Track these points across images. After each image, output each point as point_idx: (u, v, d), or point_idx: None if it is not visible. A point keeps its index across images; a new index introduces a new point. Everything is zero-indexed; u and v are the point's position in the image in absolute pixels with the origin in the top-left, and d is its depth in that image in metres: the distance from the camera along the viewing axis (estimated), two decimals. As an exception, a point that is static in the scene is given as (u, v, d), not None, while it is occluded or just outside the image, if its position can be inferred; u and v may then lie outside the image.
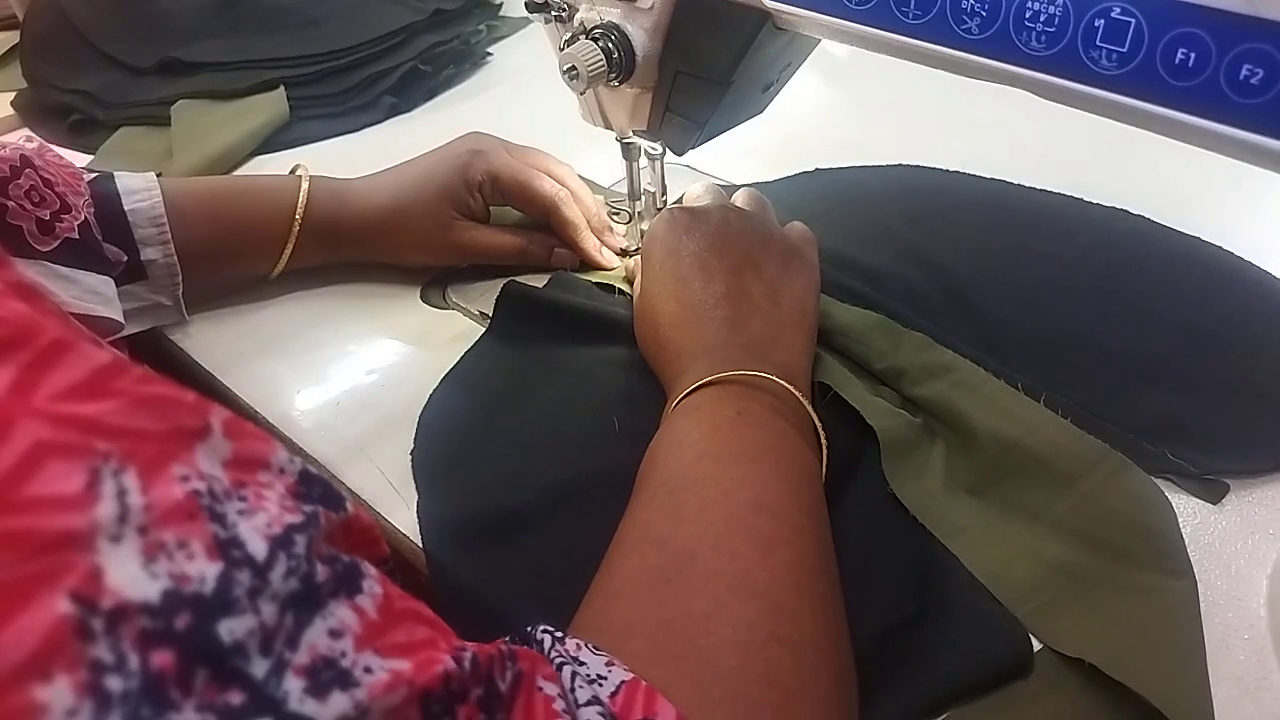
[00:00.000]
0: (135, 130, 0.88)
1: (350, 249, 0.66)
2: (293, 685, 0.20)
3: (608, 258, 0.66)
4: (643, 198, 0.66)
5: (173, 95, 0.90)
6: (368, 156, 0.69)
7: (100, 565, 0.18)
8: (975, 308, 0.60)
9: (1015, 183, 0.72)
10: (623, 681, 0.30)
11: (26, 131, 0.91)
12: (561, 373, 0.57)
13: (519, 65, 1.01)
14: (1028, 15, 0.36)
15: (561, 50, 0.55)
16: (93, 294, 0.54)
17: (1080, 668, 0.41)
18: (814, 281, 0.56)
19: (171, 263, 0.60)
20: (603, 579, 0.39)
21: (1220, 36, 0.32)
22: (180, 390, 0.22)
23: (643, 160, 0.65)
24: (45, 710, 0.17)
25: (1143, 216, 0.67)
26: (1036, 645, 0.43)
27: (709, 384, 0.47)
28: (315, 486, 0.25)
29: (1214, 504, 0.48)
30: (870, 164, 0.77)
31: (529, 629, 0.32)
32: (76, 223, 0.54)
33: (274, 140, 0.86)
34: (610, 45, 0.53)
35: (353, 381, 0.59)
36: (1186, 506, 0.48)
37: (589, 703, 0.28)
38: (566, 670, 0.29)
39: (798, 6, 0.45)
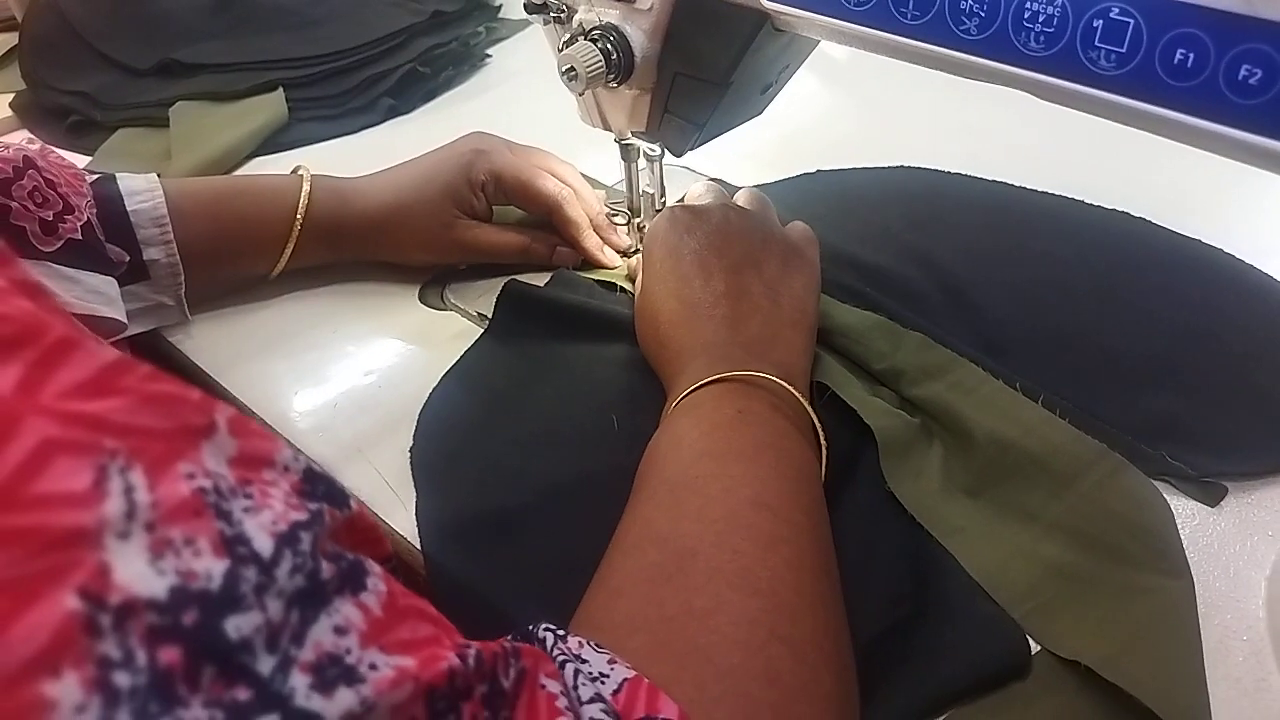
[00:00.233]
0: (134, 132, 0.88)
1: (352, 248, 0.66)
2: (299, 682, 0.20)
3: (610, 256, 0.66)
4: (641, 199, 0.66)
5: (171, 97, 0.90)
6: (366, 158, 0.69)
7: (108, 562, 0.18)
8: (975, 308, 0.60)
9: (1014, 184, 0.72)
10: (625, 679, 0.30)
11: (27, 133, 0.91)
12: (561, 371, 0.57)
13: (518, 67, 1.01)
14: (1026, 16, 0.36)
15: (560, 51, 0.55)
16: (95, 294, 0.54)
17: (1078, 669, 0.41)
18: (814, 281, 0.56)
19: (174, 262, 0.61)
20: (603, 577, 0.39)
21: (1219, 37, 0.32)
22: (186, 388, 0.22)
23: (641, 162, 0.65)
24: (54, 706, 0.17)
25: (1143, 218, 0.67)
26: (1034, 646, 0.43)
27: (709, 383, 0.47)
28: (320, 484, 0.25)
29: (1212, 506, 0.48)
30: (869, 166, 0.77)
31: (530, 627, 0.32)
32: (79, 223, 0.55)
33: (273, 142, 0.86)
34: (609, 46, 0.53)
35: (351, 382, 0.59)
36: (1185, 508, 0.48)
37: (592, 700, 0.28)
38: (569, 668, 0.29)
39: (796, 7, 0.45)
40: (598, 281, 0.65)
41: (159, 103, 0.89)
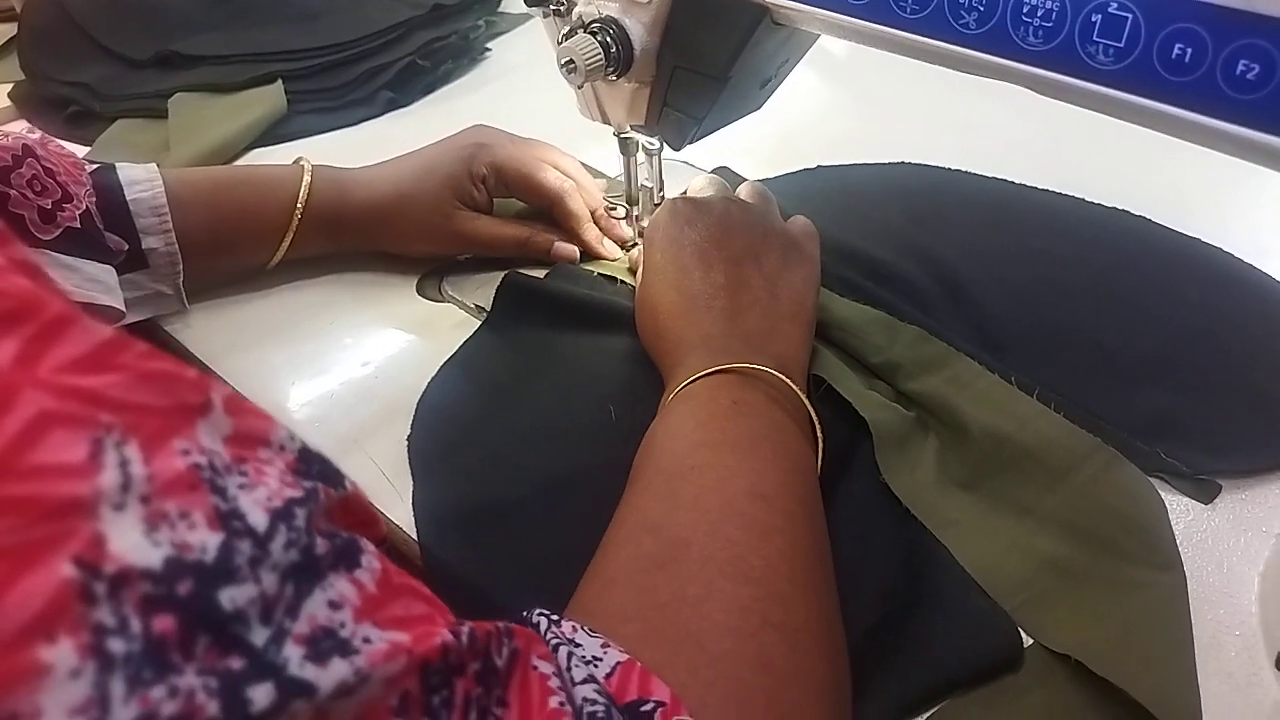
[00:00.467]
0: (132, 123, 0.88)
1: (352, 238, 0.66)
2: (292, 652, 0.21)
3: (610, 248, 0.67)
4: (640, 192, 0.67)
5: (170, 88, 0.89)
6: (365, 151, 0.69)
7: (103, 532, 0.19)
8: (974, 304, 0.60)
9: (1014, 181, 0.73)
10: (618, 663, 0.30)
11: (25, 124, 0.91)
12: (560, 363, 0.58)
13: (517, 61, 1.01)
14: (1025, 10, 0.36)
15: (559, 44, 0.55)
16: (94, 282, 0.55)
17: (1069, 662, 0.41)
18: (814, 275, 0.56)
19: (173, 251, 0.61)
20: (598, 565, 0.39)
21: (1217, 32, 0.32)
22: (182, 367, 0.23)
23: (640, 155, 0.65)
24: (49, 670, 0.17)
25: (1142, 217, 0.67)
26: (1027, 640, 0.43)
27: (706, 375, 0.47)
28: (314, 464, 0.25)
29: (1206, 504, 0.48)
30: (869, 162, 0.77)
31: (525, 613, 0.32)
32: (78, 212, 0.55)
33: (271, 133, 0.86)
34: (608, 39, 0.53)
35: (348, 373, 0.59)
36: (1179, 503, 0.48)
37: (585, 681, 0.28)
38: (562, 651, 0.29)
39: (796, 1, 0.45)
40: (599, 274, 0.65)
41: (158, 94, 0.89)
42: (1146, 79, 0.34)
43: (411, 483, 0.51)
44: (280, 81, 0.90)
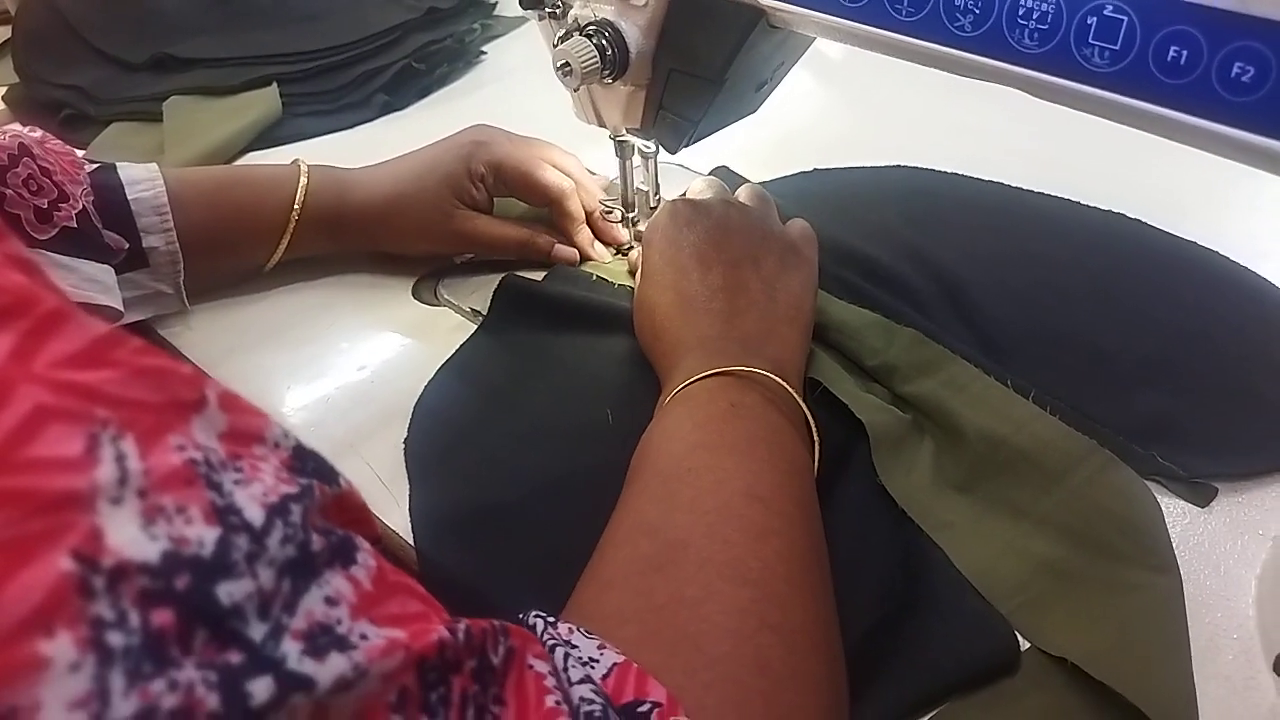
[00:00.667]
0: (127, 126, 0.88)
1: (352, 238, 0.66)
2: (290, 648, 0.21)
3: (599, 251, 0.67)
4: (636, 196, 0.66)
5: (165, 91, 0.89)
6: (360, 154, 0.69)
7: (100, 526, 0.19)
8: (971, 306, 0.60)
9: (1010, 184, 0.73)
10: (615, 664, 0.30)
11: (19, 127, 0.91)
12: (557, 366, 0.58)
13: (513, 64, 1.01)
14: (1020, 13, 0.36)
15: (555, 47, 0.55)
16: (91, 282, 0.55)
17: (1066, 665, 0.41)
18: (811, 279, 0.56)
19: (173, 250, 0.61)
20: (595, 567, 0.39)
21: (1212, 34, 0.32)
22: (177, 363, 0.23)
23: (636, 158, 0.65)
24: (48, 664, 0.17)
25: (1138, 220, 0.67)
26: (1024, 643, 0.43)
27: (703, 377, 0.47)
28: (309, 461, 0.25)
29: (1202, 507, 0.48)
30: (865, 165, 0.77)
31: (520, 615, 0.32)
32: (74, 211, 0.55)
33: (266, 137, 0.86)
34: (604, 42, 0.53)
35: (344, 377, 0.59)
36: (1176, 506, 0.48)
37: (581, 681, 0.28)
38: (559, 652, 0.29)
39: (792, 4, 0.45)
40: (597, 276, 0.65)
41: (152, 97, 0.89)
42: (1142, 81, 0.34)
43: (408, 487, 0.51)
44: (275, 84, 0.90)
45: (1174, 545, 0.46)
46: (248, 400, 0.24)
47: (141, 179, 0.60)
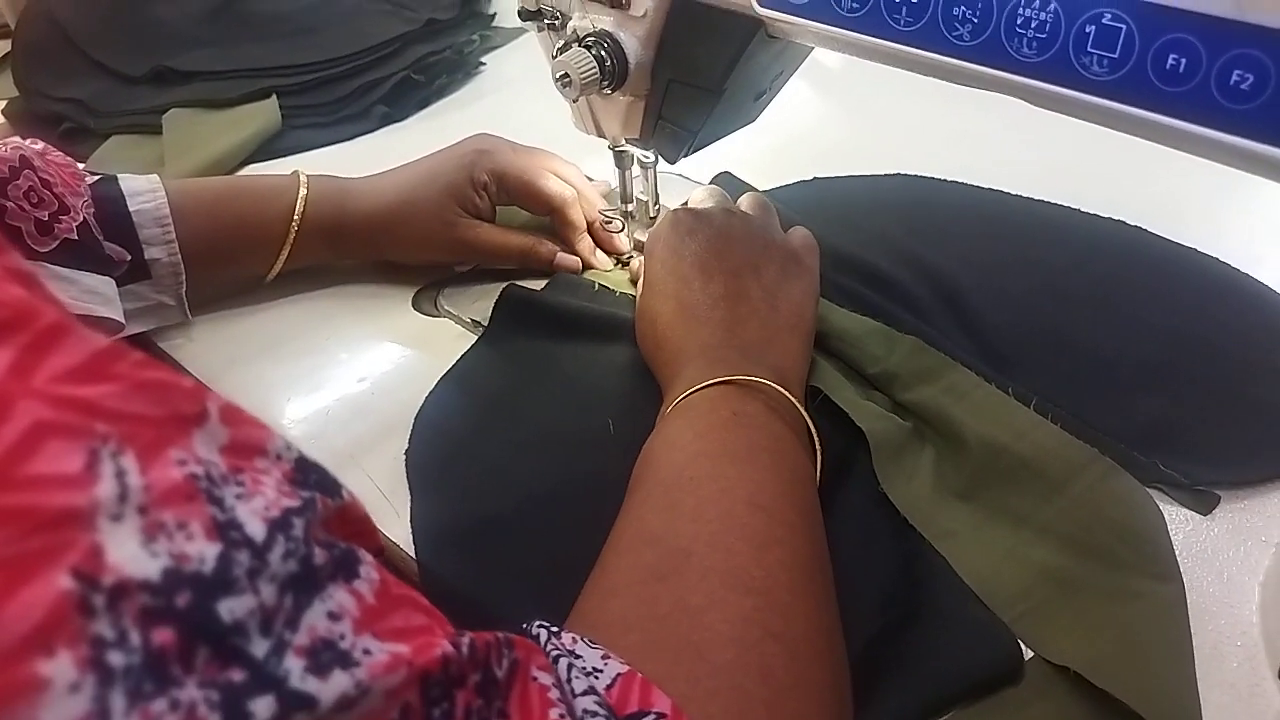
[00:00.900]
0: (127, 139, 0.88)
1: (353, 247, 0.67)
2: (293, 664, 0.20)
3: (601, 260, 0.67)
4: (635, 205, 0.67)
5: (165, 104, 0.89)
6: (360, 165, 0.69)
7: (101, 543, 0.18)
8: (972, 313, 0.60)
9: (1009, 192, 0.73)
10: (619, 674, 0.30)
11: (19, 140, 0.91)
12: (558, 376, 0.58)
13: (512, 75, 1.01)
14: (1019, 22, 0.37)
15: (554, 58, 0.55)
16: (92, 294, 0.55)
17: (1070, 674, 0.41)
18: (813, 287, 0.57)
19: (175, 262, 0.61)
20: (598, 577, 0.39)
21: (1210, 42, 0.32)
22: (178, 376, 0.22)
23: (635, 168, 0.65)
24: (48, 684, 0.17)
25: (1138, 227, 0.67)
26: (1027, 652, 0.42)
27: (705, 387, 0.47)
28: (312, 473, 0.25)
29: (1204, 515, 0.48)
30: (864, 174, 0.77)
31: (524, 625, 0.32)
32: (75, 224, 0.55)
33: (266, 149, 0.86)
34: (603, 53, 0.54)
35: (344, 389, 0.59)
36: (1179, 513, 0.48)
37: (585, 693, 0.28)
38: (563, 662, 0.29)
39: (790, 14, 0.45)
40: (599, 285, 0.65)
41: (152, 110, 0.89)
42: (1141, 89, 0.34)
43: (409, 499, 0.51)
44: (275, 96, 0.90)
45: (1177, 552, 0.46)
46: (249, 413, 0.24)
47: (143, 190, 0.60)
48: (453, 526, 0.49)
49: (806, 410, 0.48)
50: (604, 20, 0.54)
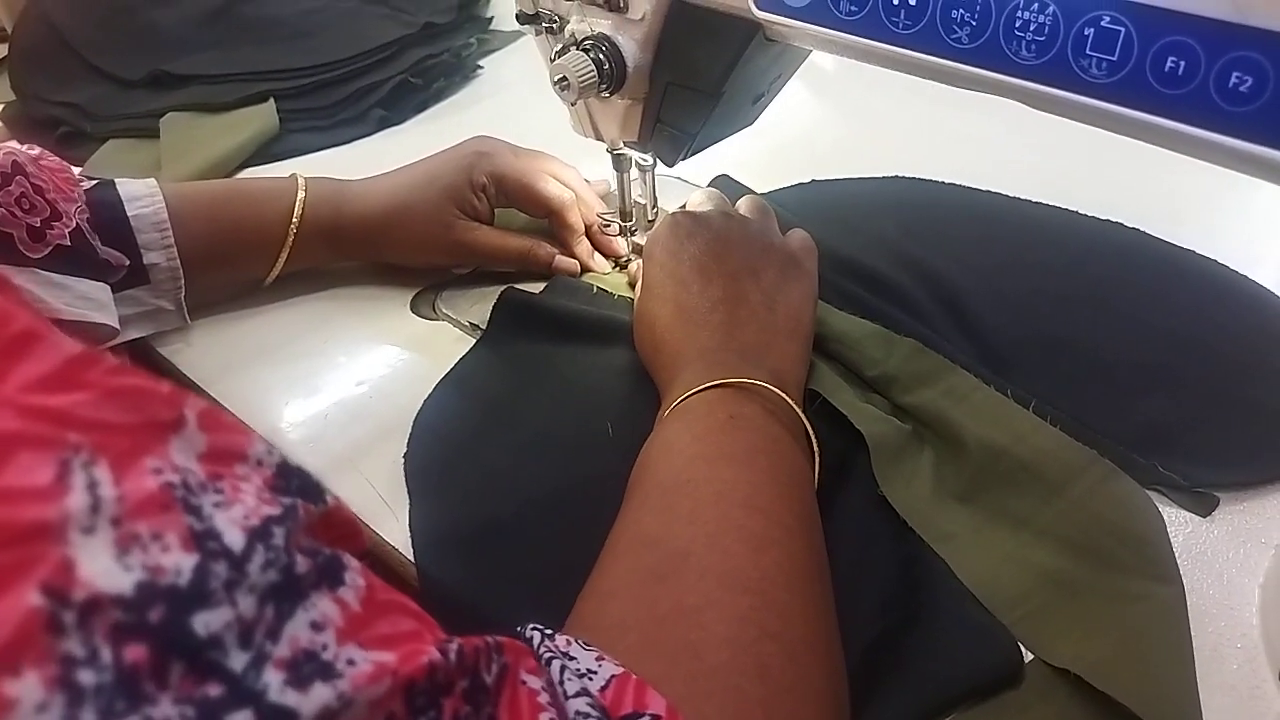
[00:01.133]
0: (124, 143, 0.88)
1: (353, 249, 0.67)
2: (273, 678, 0.20)
3: (599, 263, 0.67)
4: (634, 209, 0.67)
5: (162, 108, 0.89)
6: (357, 169, 0.69)
7: (72, 557, 0.18)
8: (970, 315, 0.60)
9: (1008, 195, 0.73)
10: (613, 676, 0.30)
11: (15, 144, 0.91)
12: (556, 378, 0.58)
13: (510, 78, 1.01)
14: (1018, 24, 0.36)
15: (552, 62, 0.55)
16: (86, 300, 0.54)
17: (1070, 676, 0.41)
18: (811, 290, 0.56)
19: (174, 266, 0.61)
20: (596, 579, 0.39)
21: (1210, 44, 0.32)
22: (154, 382, 0.22)
23: (634, 172, 0.65)
24: (14, 705, 0.16)
25: (1136, 229, 0.67)
26: (1028, 655, 0.42)
27: (703, 389, 0.47)
28: (294, 479, 0.25)
29: (1204, 517, 0.48)
30: (863, 176, 0.77)
31: (518, 628, 0.32)
32: (68, 229, 0.54)
33: (263, 153, 0.86)
34: (601, 56, 0.53)
35: (342, 393, 0.59)
36: (1178, 515, 0.48)
37: (578, 694, 0.28)
38: (555, 664, 0.29)
39: (788, 18, 0.45)
40: (597, 288, 0.65)
41: (149, 114, 0.89)
42: (1140, 92, 0.34)
43: (407, 502, 0.51)
44: (272, 100, 0.90)
45: (1176, 555, 0.46)
46: (230, 417, 0.24)
47: (141, 195, 0.60)
48: (451, 530, 0.49)
49: (805, 413, 0.48)
50: (602, 24, 0.54)
